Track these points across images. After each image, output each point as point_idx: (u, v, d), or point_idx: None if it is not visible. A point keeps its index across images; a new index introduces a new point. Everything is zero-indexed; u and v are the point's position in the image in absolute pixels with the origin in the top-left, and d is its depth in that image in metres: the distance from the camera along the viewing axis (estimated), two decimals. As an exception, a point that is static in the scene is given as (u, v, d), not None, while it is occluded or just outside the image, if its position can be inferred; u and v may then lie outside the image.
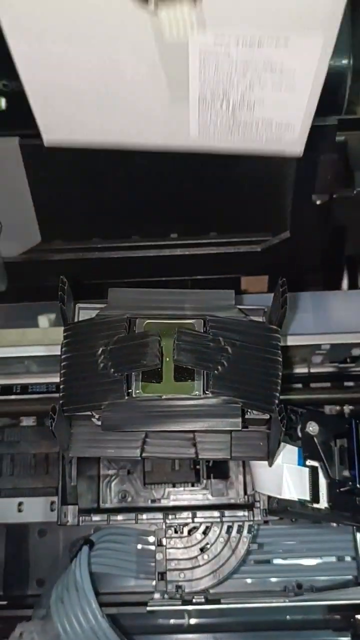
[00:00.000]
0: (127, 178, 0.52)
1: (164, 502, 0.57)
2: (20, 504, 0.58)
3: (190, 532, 0.55)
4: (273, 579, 0.57)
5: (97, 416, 0.41)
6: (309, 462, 0.48)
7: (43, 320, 0.60)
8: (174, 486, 0.57)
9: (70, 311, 0.43)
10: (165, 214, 0.56)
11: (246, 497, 0.56)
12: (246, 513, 0.52)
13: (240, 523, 0.53)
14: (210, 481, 0.57)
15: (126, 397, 0.40)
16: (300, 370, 0.53)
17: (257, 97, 0.34)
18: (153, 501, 0.58)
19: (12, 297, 0.61)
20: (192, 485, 0.57)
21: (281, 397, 0.40)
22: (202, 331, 0.41)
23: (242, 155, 0.40)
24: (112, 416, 0.39)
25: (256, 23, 0.29)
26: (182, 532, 0.55)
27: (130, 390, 0.40)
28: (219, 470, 0.57)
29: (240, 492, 0.57)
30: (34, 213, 0.55)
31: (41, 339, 0.58)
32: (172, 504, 0.57)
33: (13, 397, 0.58)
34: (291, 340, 0.49)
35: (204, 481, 0.57)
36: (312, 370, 0.54)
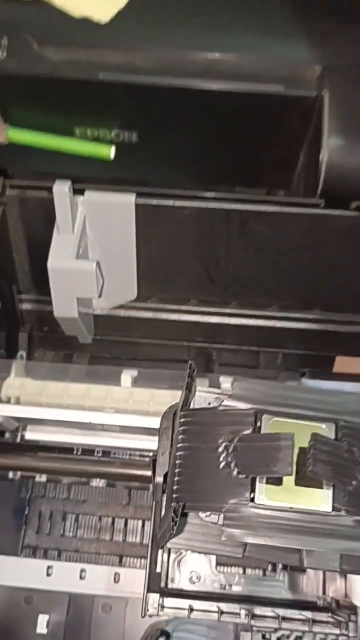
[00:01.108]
0: (239, 246, 0.50)
1: (236, 589, 0.54)
2: (82, 570, 0.55)
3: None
4: None
5: (208, 513, 0.38)
6: None
7: (126, 378, 0.58)
8: (244, 572, 0.54)
9: (191, 394, 0.41)
10: (269, 287, 0.54)
11: (324, 596, 0.52)
12: (333, 620, 0.48)
13: (334, 637, 0.49)
14: (286, 573, 0.54)
15: (250, 503, 0.37)
16: None
17: None
18: (223, 587, 0.54)
19: (95, 349, 0.59)
20: (264, 574, 0.54)
21: None
22: (334, 438, 0.38)
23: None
24: (235, 524, 0.36)
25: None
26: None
27: (253, 495, 0.37)
28: None
29: (319, 589, 0.53)
30: (135, 270, 0.54)
31: (126, 398, 0.56)
32: (245, 592, 0.53)
33: (88, 458, 0.56)
34: None
35: (280, 572, 0.53)
36: None
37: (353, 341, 0.56)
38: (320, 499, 0.38)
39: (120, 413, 0.53)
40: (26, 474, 0.57)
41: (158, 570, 0.49)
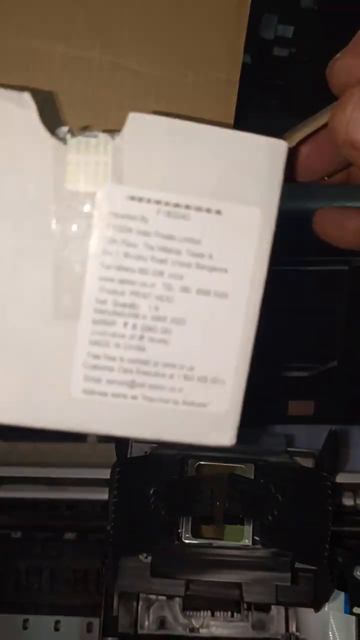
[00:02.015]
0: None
1: (203, 632, 0.56)
2: (57, 622, 0.57)
3: None
4: None
5: (145, 555, 0.42)
6: (356, 610, 0.47)
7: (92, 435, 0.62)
8: (212, 615, 0.56)
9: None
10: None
11: (288, 633, 0.54)
12: None
13: None
14: (252, 613, 0.56)
15: (176, 542, 0.40)
16: (347, 502, 0.53)
17: (176, 313, 0.20)
18: (192, 630, 0.56)
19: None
20: (232, 615, 0.56)
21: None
22: (253, 476, 0.42)
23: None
24: (162, 563, 0.40)
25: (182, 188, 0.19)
26: None
27: (180, 533, 0.41)
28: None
29: (282, 627, 0.55)
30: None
31: (90, 454, 0.60)
32: (210, 634, 0.55)
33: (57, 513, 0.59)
34: (340, 478, 0.49)
35: (245, 612, 0.56)
36: (358, 502, 0.53)
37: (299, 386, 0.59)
38: (242, 534, 0.41)
39: (85, 467, 0.57)
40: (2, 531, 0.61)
41: (115, 614, 0.52)
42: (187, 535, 0.41)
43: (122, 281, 0.20)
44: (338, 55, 0.22)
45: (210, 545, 0.41)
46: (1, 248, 0.19)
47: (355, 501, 0.52)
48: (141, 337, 0.20)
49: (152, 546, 0.41)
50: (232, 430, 0.21)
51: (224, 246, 0.20)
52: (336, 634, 0.46)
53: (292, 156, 0.23)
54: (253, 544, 0.40)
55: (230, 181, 0.20)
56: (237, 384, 0.21)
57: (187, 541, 0.41)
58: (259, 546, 0.40)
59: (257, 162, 0.20)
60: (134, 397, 0.20)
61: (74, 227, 0.19)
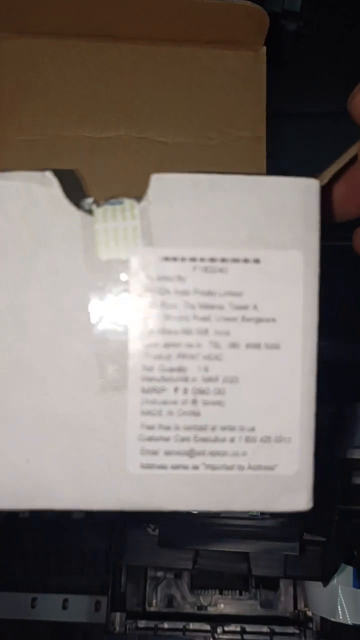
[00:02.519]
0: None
1: (211, 610, 0.56)
2: (65, 600, 0.57)
3: None
4: None
5: (152, 527, 0.42)
6: None
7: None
8: (221, 593, 0.56)
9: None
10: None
11: (296, 611, 0.54)
12: (297, 631, 0.51)
13: None
14: (260, 591, 0.55)
15: (184, 513, 0.39)
16: (355, 480, 0.50)
17: (227, 371, 0.19)
18: (200, 608, 0.56)
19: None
20: (240, 594, 0.55)
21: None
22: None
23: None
24: (170, 533, 0.39)
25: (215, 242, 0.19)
26: None
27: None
28: (268, 579, 0.55)
29: (290, 605, 0.54)
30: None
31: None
32: (219, 612, 0.56)
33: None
34: (350, 454, 0.47)
35: (253, 590, 0.55)
36: None
37: None
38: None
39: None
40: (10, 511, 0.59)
41: (122, 590, 0.53)
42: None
43: (167, 345, 0.19)
44: (355, 89, 0.21)
45: (218, 515, 0.40)
46: (40, 324, 0.19)
47: None
48: (194, 402, 0.19)
49: (160, 517, 0.40)
50: (306, 492, 0.19)
51: (268, 295, 0.19)
52: (345, 608, 0.46)
53: (328, 197, 0.23)
54: (261, 514, 0.39)
55: (264, 227, 0.19)
56: (304, 441, 0.19)
57: (194, 511, 0.40)
58: (267, 516, 0.38)
59: (290, 205, 0.19)
60: (195, 467, 0.19)
61: (111, 297, 0.19)
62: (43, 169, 0.27)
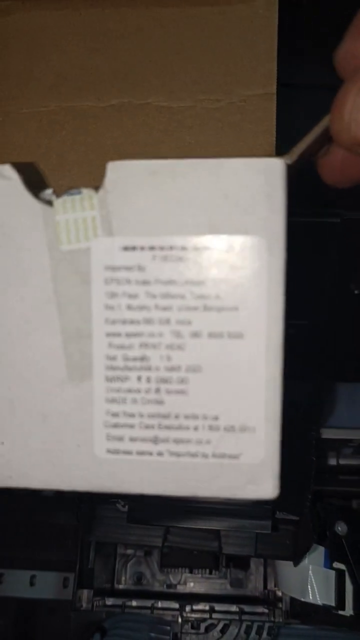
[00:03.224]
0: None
1: (180, 589, 0.56)
2: (33, 576, 0.57)
3: (207, 628, 0.53)
4: None
5: (122, 503, 0.42)
6: (336, 565, 0.46)
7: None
8: (191, 571, 0.55)
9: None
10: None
11: (266, 591, 0.54)
12: (266, 611, 0.51)
13: (261, 623, 0.51)
14: (230, 570, 0.55)
15: None
16: (330, 461, 0.51)
17: (190, 361, 0.19)
18: (169, 586, 0.56)
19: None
20: (210, 572, 0.55)
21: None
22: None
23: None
24: (139, 509, 0.39)
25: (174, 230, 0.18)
26: (199, 629, 0.53)
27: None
28: (239, 558, 0.55)
29: (260, 584, 0.55)
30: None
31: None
32: (188, 590, 0.56)
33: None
34: (324, 433, 0.47)
35: (223, 569, 0.55)
36: (341, 462, 0.51)
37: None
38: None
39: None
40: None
41: (90, 566, 0.52)
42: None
43: (129, 334, 0.19)
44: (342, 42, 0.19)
45: None
46: (9, 316, 0.19)
47: (337, 461, 0.51)
48: (157, 390, 0.19)
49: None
50: (272, 480, 0.19)
51: (230, 283, 0.18)
52: (315, 588, 0.45)
53: (332, 163, 0.21)
54: None
55: (224, 213, 0.18)
56: (270, 431, 0.19)
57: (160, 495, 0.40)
58: None
59: (251, 187, 0.18)
60: (160, 454, 0.19)
61: (74, 287, 0.19)
62: (46, 141, 0.27)
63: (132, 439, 0.20)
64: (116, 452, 0.20)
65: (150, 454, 0.20)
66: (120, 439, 0.20)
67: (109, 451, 0.20)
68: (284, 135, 0.24)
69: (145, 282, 0.19)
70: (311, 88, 0.35)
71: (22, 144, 0.29)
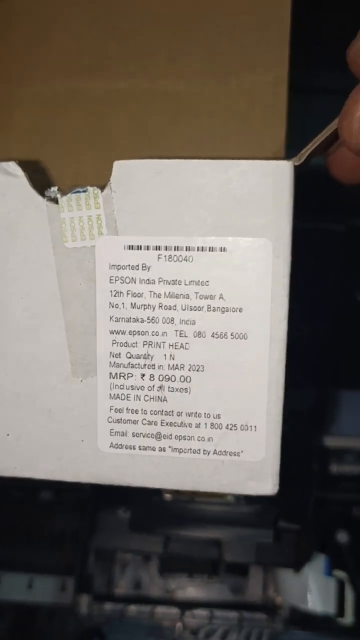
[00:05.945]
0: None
1: (180, 594, 0.55)
2: (31, 580, 0.55)
3: (207, 634, 0.53)
4: None
5: (124, 509, 0.42)
6: (336, 573, 0.46)
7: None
8: (190, 577, 0.55)
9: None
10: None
11: (266, 597, 0.53)
12: (266, 617, 0.50)
13: (260, 629, 0.50)
14: (229, 576, 0.53)
15: (157, 496, 0.40)
16: (333, 469, 0.51)
17: (193, 360, 0.19)
18: (168, 592, 0.55)
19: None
20: (210, 578, 0.54)
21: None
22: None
23: None
24: (141, 516, 0.40)
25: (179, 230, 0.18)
26: (198, 634, 0.52)
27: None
28: (238, 564, 0.53)
29: (259, 591, 0.54)
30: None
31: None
32: (188, 596, 0.55)
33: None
34: (327, 441, 0.47)
35: (223, 575, 0.54)
36: (343, 470, 0.51)
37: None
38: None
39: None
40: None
41: (90, 571, 0.51)
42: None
43: (133, 332, 0.19)
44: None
45: (192, 501, 0.40)
46: (14, 312, 0.19)
47: (339, 468, 0.51)
48: (160, 388, 0.19)
49: (132, 500, 0.40)
50: (272, 478, 0.19)
51: (235, 284, 0.19)
52: (315, 596, 0.45)
53: (341, 160, 0.21)
54: (237, 500, 0.39)
55: (230, 214, 0.18)
56: (271, 430, 0.19)
57: (168, 495, 0.40)
58: (242, 502, 0.38)
59: (258, 189, 0.18)
60: (162, 449, 0.20)
61: (78, 284, 0.19)
62: (51, 124, 0.27)
63: (136, 434, 0.20)
64: (120, 446, 0.20)
65: (153, 449, 0.20)
66: (123, 434, 0.20)
67: (112, 446, 0.20)
68: (296, 134, 0.24)
69: (149, 281, 0.19)
70: (325, 92, 0.34)
71: (26, 126, 0.28)
